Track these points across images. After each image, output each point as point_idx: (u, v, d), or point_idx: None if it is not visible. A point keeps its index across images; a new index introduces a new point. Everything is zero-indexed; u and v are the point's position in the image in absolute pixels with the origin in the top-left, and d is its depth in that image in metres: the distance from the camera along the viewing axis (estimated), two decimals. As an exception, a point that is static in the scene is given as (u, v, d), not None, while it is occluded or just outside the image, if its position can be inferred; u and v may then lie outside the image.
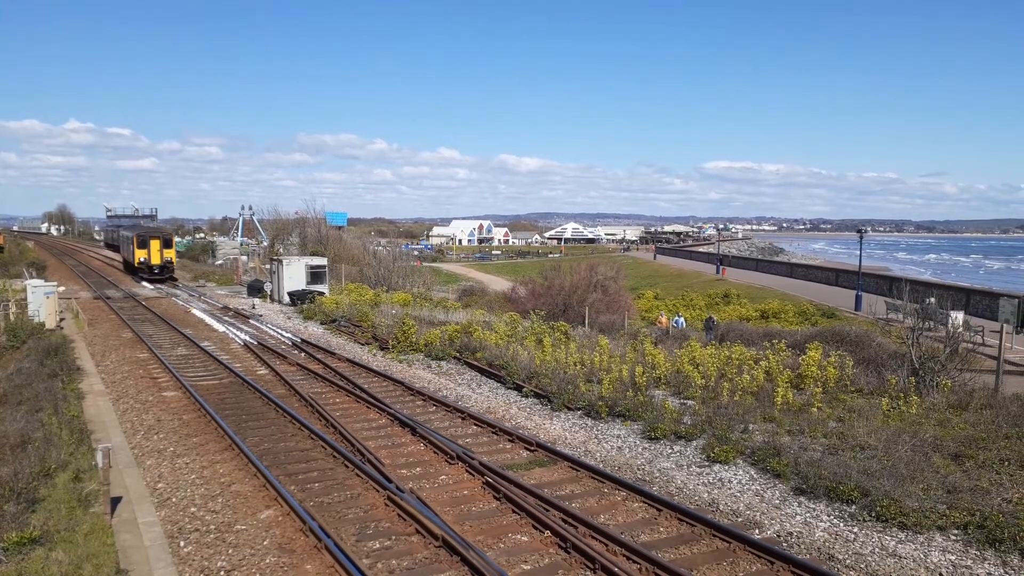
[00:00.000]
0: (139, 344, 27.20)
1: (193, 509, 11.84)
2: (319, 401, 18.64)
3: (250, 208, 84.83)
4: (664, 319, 35.76)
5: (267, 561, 10.00)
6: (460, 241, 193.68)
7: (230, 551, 10.32)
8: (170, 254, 55.01)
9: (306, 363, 23.77)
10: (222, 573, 9.68)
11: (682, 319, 36.44)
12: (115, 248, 76.99)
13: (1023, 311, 30.02)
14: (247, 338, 28.45)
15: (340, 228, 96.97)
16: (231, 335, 29.51)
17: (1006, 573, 9.58)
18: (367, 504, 12.10)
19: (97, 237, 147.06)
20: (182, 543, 10.56)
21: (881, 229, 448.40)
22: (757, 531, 11.16)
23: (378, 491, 12.49)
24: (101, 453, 11.26)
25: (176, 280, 54.71)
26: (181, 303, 39.81)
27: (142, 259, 53.42)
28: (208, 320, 33.64)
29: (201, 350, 25.87)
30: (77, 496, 11.78)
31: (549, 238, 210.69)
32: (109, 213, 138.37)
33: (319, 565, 9.87)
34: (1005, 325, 22.05)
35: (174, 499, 12.27)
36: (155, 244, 53.92)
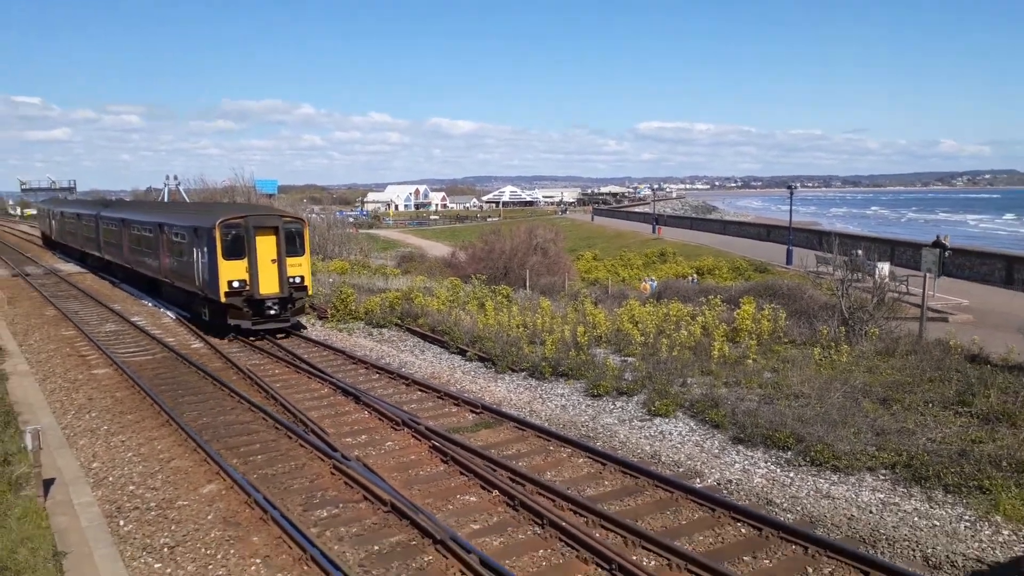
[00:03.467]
0: (64, 321, 26.14)
1: (131, 487, 11.53)
2: (258, 373, 18.29)
3: (175, 178, 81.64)
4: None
5: (212, 535, 9.84)
6: (396, 207, 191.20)
7: (173, 527, 10.11)
8: (301, 268, 22.81)
9: (242, 335, 23.23)
10: (165, 549, 9.49)
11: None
12: (91, 251, 40.24)
13: (943, 259, 31.40)
14: (180, 311, 27.62)
15: (271, 196, 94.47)
16: (162, 309, 28.62)
17: (931, 507, 10.11)
18: (313, 474, 11.99)
19: (12, 211, 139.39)
20: (122, 522, 10.29)
21: (810, 185, 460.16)
22: (698, 480, 11.48)
23: (323, 460, 12.38)
24: (30, 435, 10.82)
25: (303, 328, 24.25)
26: (107, 277, 38.33)
27: (235, 283, 21.82)
28: (137, 293, 32.52)
29: (131, 325, 25.02)
30: (7, 480, 11.31)
31: (487, 202, 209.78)
32: (24, 187, 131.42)
33: (266, 536, 9.76)
34: (927, 274, 23.00)
35: (111, 478, 11.92)
36: (267, 245, 22.17)
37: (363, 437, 13.79)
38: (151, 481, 11.76)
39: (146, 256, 29.51)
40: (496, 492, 10.91)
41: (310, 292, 23.25)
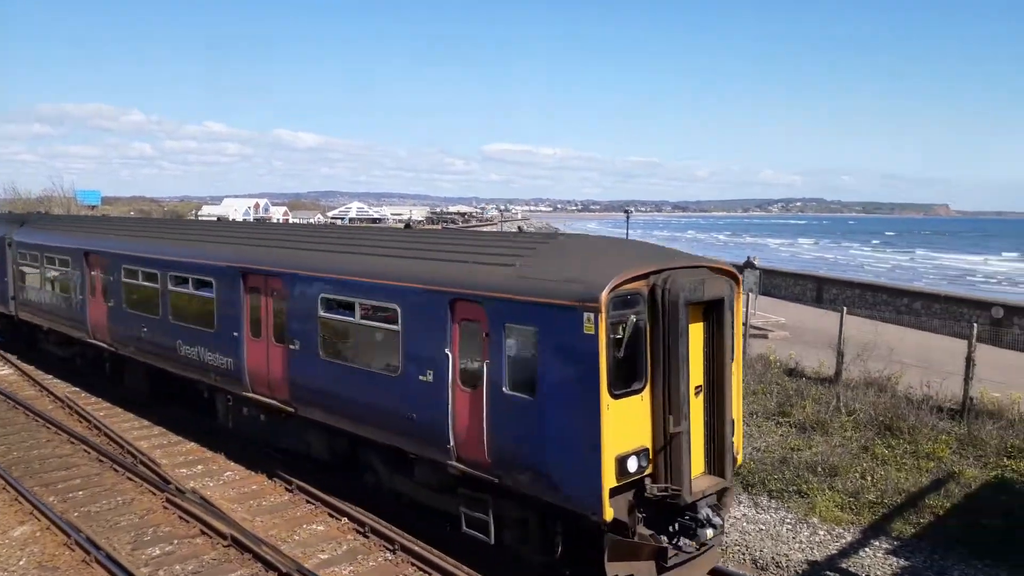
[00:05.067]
0: None
1: (-76, 535, 10.20)
2: (78, 401, 16.78)
3: (-21, 185, 73.57)
4: None
5: (24, 584, 8.89)
6: (234, 221, 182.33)
7: (-24, 578, 9.04)
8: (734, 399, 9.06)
9: (58, 363, 21.19)
10: (-34, 604, 8.46)
11: None
12: None
13: (763, 279, 34.14)
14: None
15: (93, 208, 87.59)
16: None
17: (757, 512, 10.89)
18: (143, 509, 11.15)
19: None
20: (-89, 576, 9.08)
21: (643, 209, 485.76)
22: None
23: (155, 494, 11.55)
24: None
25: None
26: None
27: (629, 462, 7.98)
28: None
29: (-77, 350, 22.18)
30: None
31: (333, 218, 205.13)
32: None
33: (89, 581, 8.95)
34: (749, 294, 24.88)
35: None
36: (695, 346, 8.62)
37: (199, 467, 13.00)
38: (-52, 526, 10.47)
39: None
40: (345, 520, 10.62)
41: (739, 460, 9.63)
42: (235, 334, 12.39)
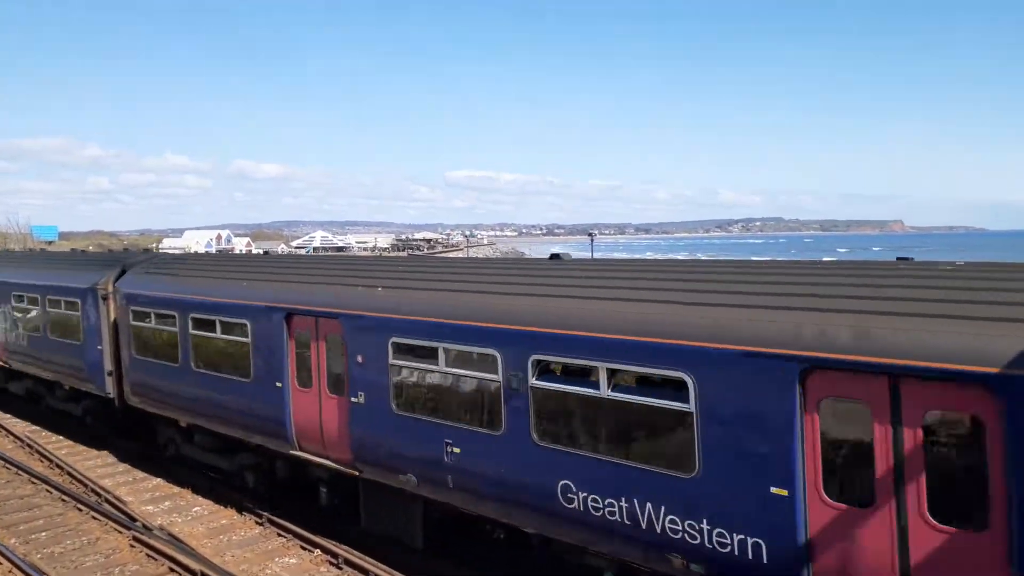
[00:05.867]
0: None
1: None
2: (38, 440, 16.41)
3: (-71, 223, 71.73)
4: None
5: (-14, 630, 8.64)
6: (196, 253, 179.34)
7: (-65, 626, 8.77)
8: None
9: (16, 400, 20.70)
10: (-74, 654, 8.17)
11: None
12: None
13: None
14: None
15: (50, 243, 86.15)
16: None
17: None
18: (109, 548, 10.93)
19: None
20: None
21: (607, 232, 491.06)
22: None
23: (121, 532, 11.34)
24: None
25: None
26: None
27: None
28: None
29: None
30: None
31: (296, 247, 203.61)
32: None
33: (55, 625, 8.73)
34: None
35: None
36: None
37: (167, 503, 12.79)
38: (-96, 574, 10.14)
39: None
40: (318, 552, 10.52)
41: None
42: (773, 492, 6.21)
